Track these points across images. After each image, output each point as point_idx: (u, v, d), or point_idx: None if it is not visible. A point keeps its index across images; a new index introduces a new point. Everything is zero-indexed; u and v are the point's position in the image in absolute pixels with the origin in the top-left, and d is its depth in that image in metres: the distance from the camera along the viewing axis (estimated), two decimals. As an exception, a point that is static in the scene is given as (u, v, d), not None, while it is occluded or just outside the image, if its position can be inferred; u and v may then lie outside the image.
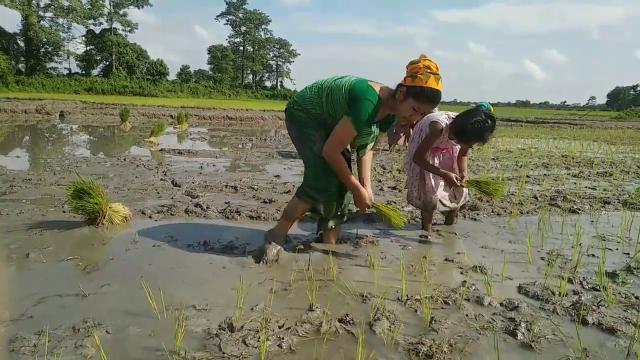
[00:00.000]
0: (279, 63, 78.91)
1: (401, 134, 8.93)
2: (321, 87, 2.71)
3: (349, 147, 2.88)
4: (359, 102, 2.51)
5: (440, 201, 3.34)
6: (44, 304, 2.05)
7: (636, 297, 2.35)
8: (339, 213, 2.96)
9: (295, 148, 2.91)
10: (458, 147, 3.41)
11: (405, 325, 1.99)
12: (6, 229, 3.08)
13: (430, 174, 3.32)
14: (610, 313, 2.16)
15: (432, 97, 2.47)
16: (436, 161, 3.39)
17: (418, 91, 2.45)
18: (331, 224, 2.98)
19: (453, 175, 3.21)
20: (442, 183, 3.33)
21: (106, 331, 1.83)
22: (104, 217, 3.23)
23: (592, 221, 3.97)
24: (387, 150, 9.21)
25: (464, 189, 3.44)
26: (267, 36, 75.33)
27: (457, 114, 3.17)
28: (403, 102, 2.52)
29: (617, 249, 3.22)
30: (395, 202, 4.36)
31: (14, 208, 3.60)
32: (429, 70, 2.43)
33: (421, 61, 2.47)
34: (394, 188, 5.15)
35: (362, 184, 2.79)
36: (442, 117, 3.19)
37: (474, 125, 2.92)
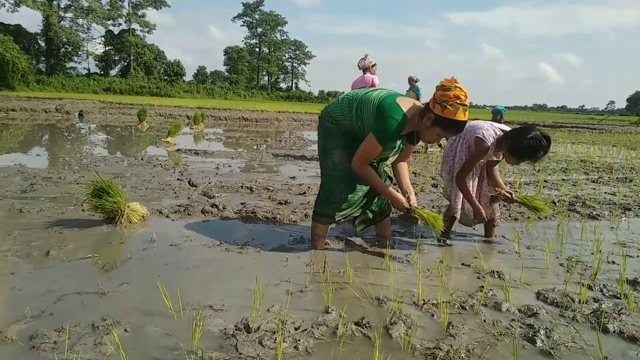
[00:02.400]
0: (294, 64, 79.19)
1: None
2: (352, 100, 2.78)
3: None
4: (384, 120, 2.58)
5: (466, 214, 3.30)
6: (63, 302, 2.08)
7: (659, 306, 2.30)
8: (369, 214, 3.12)
9: (318, 156, 3.00)
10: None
11: (422, 329, 1.98)
12: (27, 227, 3.13)
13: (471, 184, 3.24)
14: (631, 321, 2.12)
15: (458, 129, 2.57)
16: (474, 177, 3.27)
17: (446, 122, 2.51)
18: (359, 227, 3.18)
19: (482, 210, 3.14)
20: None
21: (125, 329, 1.85)
22: (123, 216, 3.27)
23: (612, 227, 3.90)
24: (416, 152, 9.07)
25: (495, 204, 3.36)
26: (282, 38, 75.73)
27: (506, 128, 3.10)
28: (429, 129, 2.59)
29: (638, 256, 3.15)
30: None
31: (34, 206, 3.66)
32: (458, 102, 2.47)
33: (452, 89, 2.49)
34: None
35: (404, 192, 2.87)
36: (488, 133, 3.04)
37: (530, 141, 2.82)
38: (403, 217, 3.82)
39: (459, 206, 3.26)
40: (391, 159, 2.90)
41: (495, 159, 3.19)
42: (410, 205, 2.81)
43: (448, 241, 3.27)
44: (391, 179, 3.09)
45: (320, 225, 2.98)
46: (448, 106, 2.47)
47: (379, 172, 2.95)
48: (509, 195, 3.16)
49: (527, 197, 3.28)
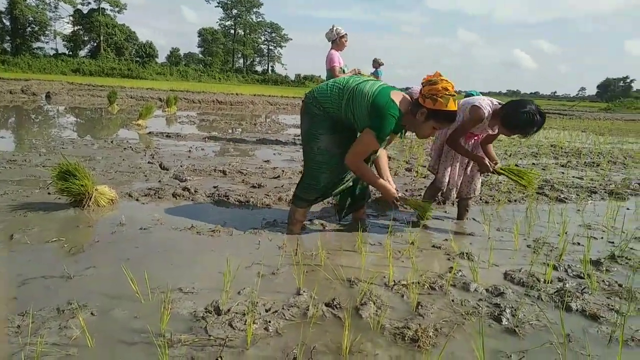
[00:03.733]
0: (270, 47, 78.22)
1: None
2: (342, 89, 2.73)
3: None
4: (383, 118, 2.57)
5: (450, 189, 3.34)
6: (28, 285, 2.03)
7: (619, 285, 2.38)
8: (351, 199, 3.13)
9: (301, 140, 2.96)
10: (485, 135, 3.31)
11: (391, 309, 2.00)
12: (-10, 210, 3.03)
13: (459, 163, 3.28)
14: (593, 300, 2.19)
15: (452, 119, 2.63)
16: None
17: (440, 114, 2.56)
18: (343, 213, 3.21)
19: (486, 160, 3.15)
20: (457, 172, 3.31)
21: (91, 313, 1.81)
22: (90, 199, 3.20)
23: (579, 210, 4.02)
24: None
25: (477, 184, 3.40)
26: (258, 20, 74.58)
27: (501, 102, 3.10)
28: (424, 123, 2.62)
29: (602, 238, 3.26)
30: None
31: (-2, 189, 3.54)
32: (447, 93, 2.53)
33: (439, 82, 2.55)
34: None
35: (388, 181, 2.91)
36: (485, 102, 3.06)
37: (525, 115, 2.83)
38: (378, 200, 3.85)
39: (446, 180, 3.30)
40: (380, 151, 2.94)
41: (490, 132, 3.21)
42: (398, 196, 2.86)
43: (424, 221, 3.31)
44: None
45: (299, 209, 2.97)
46: (439, 98, 2.52)
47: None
48: (501, 170, 3.21)
49: (514, 171, 3.27)
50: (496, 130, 3.17)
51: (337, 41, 6.24)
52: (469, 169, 3.35)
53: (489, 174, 3.24)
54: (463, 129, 3.10)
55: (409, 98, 2.69)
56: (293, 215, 3.00)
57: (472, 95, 3.31)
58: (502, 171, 3.22)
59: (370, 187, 3.28)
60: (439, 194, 3.52)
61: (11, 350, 1.55)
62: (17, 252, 2.41)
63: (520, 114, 2.85)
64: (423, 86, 2.60)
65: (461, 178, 3.34)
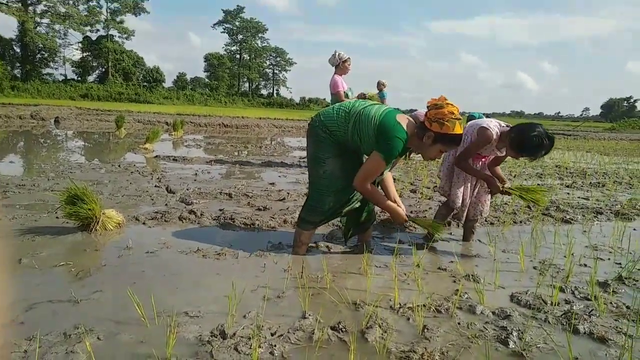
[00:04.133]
0: (275, 71, 79.20)
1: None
2: (349, 112, 2.78)
3: None
4: (390, 141, 2.61)
5: (462, 210, 3.34)
6: (35, 310, 2.04)
7: (627, 307, 2.36)
8: (360, 220, 3.13)
9: (307, 163, 3.01)
10: (492, 157, 3.33)
11: (397, 333, 2.00)
12: (-2, 235, 3.06)
13: (469, 184, 3.30)
14: (601, 322, 2.18)
15: (458, 142, 2.69)
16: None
17: (446, 138, 2.62)
18: (349, 234, 3.23)
19: (496, 180, 3.17)
20: (469, 193, 3.32)
21: (97, 337, 1.82)
22: (98, 223, 3.23)
23: (585, 231, 4.00)
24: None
25: (485, 206, 3.40)
26: (263, 44, 75.67)
27: (509, 124, 3.14)
28: (431, 146, 2.68)
29: (609, 259, 3.24)
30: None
31: (7, 213, 3.58)
32: (453, 117, 2.59)
33: (445, 107, 2.60)
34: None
35: (397, 202, 2.97)
36: (492, 124, 3.11)
37: (534, 139, 2.85)
38: (383, 222, 3.86)
39: (459, 200, 3.30)
40: (385, 174, 2.99)
41: (498, 154, 3.22)
42: (407, 217, 2.92)
43: (431, 243, 3.32)
44: None
45: (305, 232, 2.99)
46: (446, 122, 2.57)
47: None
48: (510, 190, 3.21)
49: (524, 189, 3.30)
50: (504, 152, 3.19)
51: (340, 66, 6.33)
52: (476, 190, 3.36)
53: (499, 194, 3.25)
54: (471, 149, 3.13)
55: (414, 121, 2.73)
56: (298, 238, 3.01)
57: (475, 117, 3.35)
58: (512, 191, 3.23)
59: (376, 209, 3.29)
60: (450, 215, 3.52)
61: (18, 375, 1.56)
62: (25, 276, 2.43)
63: (529, 138, 2.87)
64: (429, 109, 2.65)
65: (469, 200, 3.35)
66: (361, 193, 2.83)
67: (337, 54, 6.31)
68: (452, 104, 2.63)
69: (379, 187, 3.04)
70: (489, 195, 3.38)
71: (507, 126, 3.11)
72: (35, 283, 2.34)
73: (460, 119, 2.61)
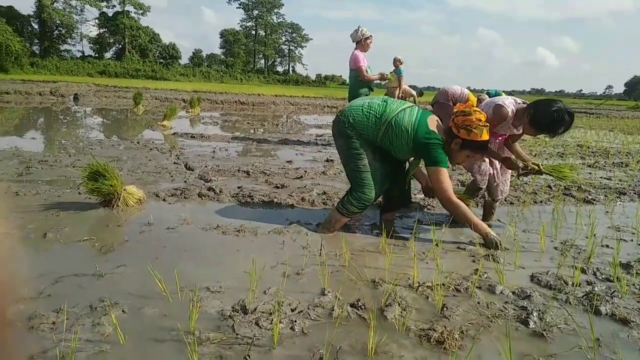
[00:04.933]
0: (291, 48, 78.50)
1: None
2: (379, 118, 2.77)
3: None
4: (434, 150, 2.72)
5: (481, 187, 3.31)
6: (61, 283, 2.09)
7: (650, 289, 2.33)
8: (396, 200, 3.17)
9: (339, 156, 3.03)
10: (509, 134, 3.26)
11: (416, 311, 2.00)
12: (23, 209, 3.13)
13: (485, 161, 3.26)
14: (623, 304, 2.15)
15: (485, 148, 2.79)
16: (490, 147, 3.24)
17: (474, 144, 2.72)
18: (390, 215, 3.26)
19: (513, 158, 3.14)
20: (496, 171, 3.28)
21: (122, 310, 1.86)
22: (119, 199, 3.27)
23: (607, 212, 3.93)
24: None
25: (505, 186, 3.35)
26: (279, 20, 74.90)
27: (525, 101, 3.08)
28: (459, 152, 2.78)
29: (631, 240, 3.19)
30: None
31: (30, 189, 3.66)
32: (481, 124, 2.67)
33: (473, 114, 2.69)
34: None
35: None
36: (508, 101, 3.04)
37: (555, 114, 2.79)
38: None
39: (485, 178, 3.28)
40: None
41: (515, 132, 3.16)
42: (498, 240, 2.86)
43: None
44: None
45: (345, 218, 2.99)
46: (474, 129, 2.66)
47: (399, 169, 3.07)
48: (537, 167, 3.15)
49: (554, 167, 3.28)
50: (520, 130, 3.12)
51: (361, 42, 6.24)
52: (499, 168, 3.31)
53: (524, 175, 3.20)
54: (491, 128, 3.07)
55: (441, 125, 2.83)
56: (335, 221, 3.00)
57: (491, 94, 3.29)
58: (542, 168, 3.16)
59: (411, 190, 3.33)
60: (478, 194, 3.47)
61: (47, 346, 1.60)
62: (51, 250, 2.49)
63: (549, 113, 2.81)
64: (456, 116, 2.71)
65: (499, 177, 3.31)
66: (449, 211, 2.97)
67: (360, 30, 6.22)
68: (479, 111, 2.72)
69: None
70: (509, 175, 3.33)
71: (524, 103, 3.04)
72: (61, 257, 2.40)
73: (487, 125, 2.69)
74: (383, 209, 3.24)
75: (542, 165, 3.18)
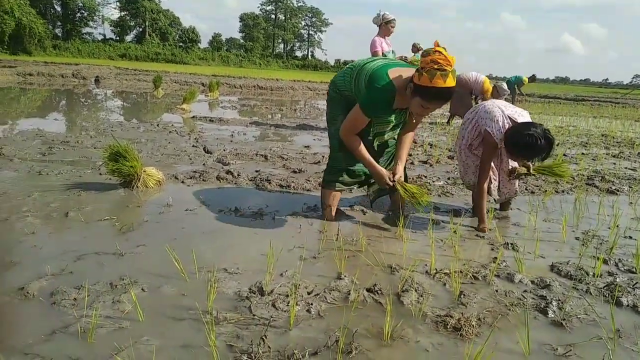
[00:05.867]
0: (310, 32, 77.95)
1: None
2: (353, 69, 2.73)
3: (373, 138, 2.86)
4: (369, 90, 2.49)
5: (491, 191, 3.19)
6: (82, 261, 2.13)
7: (675, 282, 2.27)
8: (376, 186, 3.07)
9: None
10: None
11: (433, 297, 1.99)
12: (46, 189, 3.19)
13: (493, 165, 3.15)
14: (646, 296, 2.11)
15: (438, 97, 2.31)
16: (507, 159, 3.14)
17: (423, 91, 2.30)
18: (373, 196, 3.19)
19: (485, 224, 2.94)
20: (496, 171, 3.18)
21: (142, 289, 1.89)
22: (139, 180, 3.31)
23: (631, 203, 3.84)
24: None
25: (516, 184, 3.24)
26: (299, 4, 74.35)
27: (517, 115, 2.89)
28: (412, 99, 2.41)
29: (656, 232, 3.11)
30: (426, 177, 4.31)
31: (53, 169, 3.72)
32: (435, 67, 2.23)
33: (431, 54, 2.27)
34: (425, 162, 5.09)
35: (395, 161, 2.79)
36: (498, 123, 2.83)
37: (527, 137, 2.62)
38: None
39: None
40: (389, 134, 2.82)
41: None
42: (393, 180, 2.70)
43: (490, 227, 3.21)
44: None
45: (327, 191, 2.94)
46: (424, 73, 2.25)
47: (372, 146, 2.84)
48: (526, 170, 3.09)
49: (546, 166, 3.14)
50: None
51: (382, 26, 6.15)
52: (502, 166, 3.21)
53: (516, 178, 3.14)
54: (484, 164, 2.92)
55: (407, 76, 2.44)
56: (323, 200, 2.99)
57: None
58: (533, 171, 3.10)
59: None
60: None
61: (68, 321, 1.64)
62: (73, 228, 2.54)
63: (522, 136, 2.65)
64: (421, 57, 2.37)
65: (499, 177, 3.20)
66: (345, 144, 2.70)
67: (381, 14, 6.12)
68: (440, 51, 2.26)
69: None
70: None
71: (511, 121, 2.85)
72: (82, 236, 2.44)
73: (446, 70, 2.23)
74: (382, 194, 3.18)
75: (532, 167, 3.08)
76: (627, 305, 2.02)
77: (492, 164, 3.11)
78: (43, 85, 14.11)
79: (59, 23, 54.32)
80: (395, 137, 2.87)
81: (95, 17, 57.01)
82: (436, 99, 2.33)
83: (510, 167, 3.15)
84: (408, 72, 2.46)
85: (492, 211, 3.33)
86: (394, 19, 6.13)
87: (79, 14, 55.16)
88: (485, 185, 2.97)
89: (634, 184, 4.51)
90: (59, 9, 53.73)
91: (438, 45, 2.31)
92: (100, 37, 58.04)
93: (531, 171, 3.09)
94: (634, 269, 2.40)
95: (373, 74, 2.50)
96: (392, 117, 2.67)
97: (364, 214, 3.13)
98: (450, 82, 2.27)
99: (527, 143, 2.63)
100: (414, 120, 2.78)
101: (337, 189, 2.93)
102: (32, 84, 14.04)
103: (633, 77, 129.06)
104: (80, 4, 53.99)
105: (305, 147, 5.70)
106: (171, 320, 1.69)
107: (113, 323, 1.64)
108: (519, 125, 2.77)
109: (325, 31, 78.56)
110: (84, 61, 31.14)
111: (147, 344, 1.53)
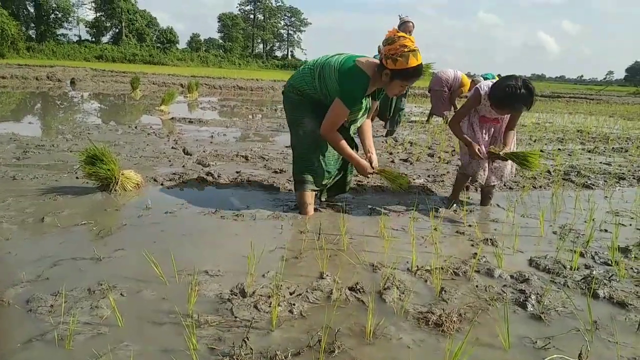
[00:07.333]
0: (289, 32, 77.82)
1: (448, 111, 8.64)
2: (313, 67, 2.81)
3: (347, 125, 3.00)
4: (348, 84, 2.65)
5: (479, 176, 3.23)
6: (59, 267, 2.08)
7: (648, 273, 2.33)
8: (331, 183, 3.16)
9: (289, 129, 3.05)
10: (507, 118, 3.22)
11: (415, 294, 2.01)
12: (21, 194, 3.11)
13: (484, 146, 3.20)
14: (621, 287, 2.15)
15: (416, 74, 2.62)
16: (484, 136, 3.23)
17: (402, 73, 2.58)
18: (324, 196, 3.32)
19: (476, 147, 3.08)
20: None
21: (121, 294, 1.86)
22: (117, 184, 3.26)
23: (606, 197, 3.93)
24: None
25: (506, 169, 3.31)
26: (278, 4, 74.18)
27: None
28: (390, 83, 2.66)
29: (630, 225, 3.19)
30: (406, 175, 4.34)
31: (28, 173, 3.64)
32: (406, 50, 2.52)
33: (396, 40, 2.54)
34: (406, 160, 5.12)
35: (366, 152, 2.99)
36: (486, 83, 3.07)
37: (506, 89, 2.81)
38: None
39: (471, 165, 3.24)
40: (361, 120, 2.97)
41: (495, 114, 3.10)
42: (373, 168, 2.92)
43: (454, 207, 3.36)
44: (357, 147, 3.15)
45: (305, 192, 2.98)
46: (399, 58, 2.52)
47: (349, 135, 3.01)
48: (496, 152, 3.12)
49: (517, 153, 3.14)
50: (500, 114, 3.10)
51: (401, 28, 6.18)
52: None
53: (493, 157, 3.19)
54: (464, 110, 3.18)
55: (376, 61, 2.70)
56: (301, 200, 3.02)
57: (488, 78, 3.26)
58: (504, 155, 3.13)
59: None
60: (468, 180, 3.48)
61: (45, 328, 1.60)
62: (49, 234, 2.48)
63: (502, 88, 2.84)
64: (383, 46, 2.61)
65: (487, 163, 3.24)
66: (328, 141, 2.85)
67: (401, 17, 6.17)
68: (404, 36, 2.56)
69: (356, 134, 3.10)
70: (500, 162, 3.25)
71: None
72: (59, 241, 2.39)
73: (415, 50, 2.54)
74: (330, 193, 3.33)
75: (502, 152, 3.12)
76: (604, 297, 2.06)
77: (483, 149, 3.17)
78: (17, 88, 13.78)
79: (33, 25, 53.16)
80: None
81: (69, 18, 56.02)
82: (415, 76, 2.63)
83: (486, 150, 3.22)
84: (369, 59, 2.72)
85: (465, 203, 3.38)
86: (406, 23, 6.11)
87: (53, 15, 54.10)
88: (458, 126, 3.19)
89: (609, 178, 4.62)
90: (32, 10, 52.61)
91: (397, 32, 2.58)
92: (75, 39, 57.01)
93: (501, 154, 3.12)
94: (609, 262, 2.46)
95: (344, 68, 2.66)
96: (364, 103, 2.85)
97: (345, 213, 3.13)
98: (420, 57, 2.59)
99: (508, 93, 2.82)
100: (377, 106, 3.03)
101: (310, 189, 2.99)
102: (5, 87, 13.70)
103: (607, 74, 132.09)
104: (54, 5, 52.99)
105: (287, 147, 5.67)
106: (151, 324, 1.66)
107: (91, 329, 1.61)
108: (500, 79, 2.97)
109: (305, 31, 78.48)
110: (59, 63, 30.49)
111: (127, 349, 1.50)
